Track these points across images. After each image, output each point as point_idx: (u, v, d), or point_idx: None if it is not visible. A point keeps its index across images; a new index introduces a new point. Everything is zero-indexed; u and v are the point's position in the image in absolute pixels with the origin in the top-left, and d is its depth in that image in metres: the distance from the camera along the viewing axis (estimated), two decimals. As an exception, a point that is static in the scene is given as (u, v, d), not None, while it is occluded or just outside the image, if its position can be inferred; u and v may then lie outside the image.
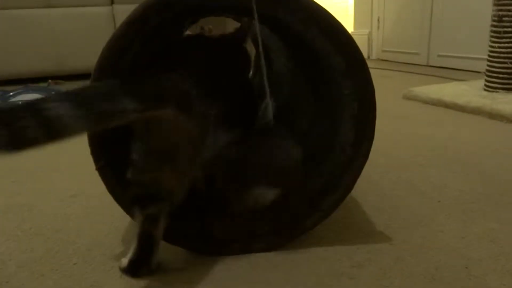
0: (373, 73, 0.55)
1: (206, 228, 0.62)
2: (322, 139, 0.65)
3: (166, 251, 0.60)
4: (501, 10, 1.39)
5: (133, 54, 0.55)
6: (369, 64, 0.57)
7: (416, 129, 1.21)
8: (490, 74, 1.47)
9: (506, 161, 0.92)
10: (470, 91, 1.52)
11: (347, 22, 3.26)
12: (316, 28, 0.55)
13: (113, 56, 0.53)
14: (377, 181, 0.83)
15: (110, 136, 0.57)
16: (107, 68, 0.54)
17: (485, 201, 0.73)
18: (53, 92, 1.71)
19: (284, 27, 0.58)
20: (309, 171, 0.64)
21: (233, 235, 0.61)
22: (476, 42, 2.08)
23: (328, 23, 0.55)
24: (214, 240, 0.61)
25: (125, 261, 0.55)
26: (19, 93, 1.63)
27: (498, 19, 1.40)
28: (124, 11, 2.46)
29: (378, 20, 2.97)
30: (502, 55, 1.42)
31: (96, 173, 0.94)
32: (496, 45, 1.43)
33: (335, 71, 0.58)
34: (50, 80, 2.29)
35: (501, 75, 1.44)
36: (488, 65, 1.48)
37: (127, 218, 0.71)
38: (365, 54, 3.01)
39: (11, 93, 1.63)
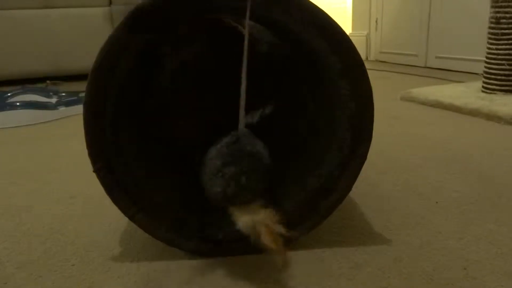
0: (371, 74, 0.56)
1: (206, 229, 0.61)
2: (319, 140, 0.66)
3: (164, 252, 0.60)
4: (498, 12, 1.39)
5: (133, 52, 0.55)
6: (367, 65, 0.57)
7: (414, 130, 1.22)
8: (488, 75, 1.48)
9: (503, 163, 0.92)
10: (468, 93, 1.53)
11: (345, 23, 3.27)
12: (313, 28, 0.55)
13: (112, 56, 0.53)
14: (375, 182, 0.83)
15: (108, 137, 0.56)
16: (106, 68, 0.53)
17: (483, 202, 0.73)
18: (51, 93, 1.71)
19: (281, 27, 0.58)
20: (308, 172, 0.64)
21: (233, 236, 0.61)
22: (474, 44, 2.08)
23: (325, 23, 0.55)
24: (214, 241, 0.61)
25: None
26: (17, 94, 1.63)
27: (496, 21, 1.41)
28: (121, 12, 2.47)
29: (376, 21, 2.98)
30: (499, 57, 1.42)
31: (93, 175, 0.94)
32: (494, 47, 1.43)
33: (332, 71, 0.58)
34: (48, 81, 2.29)
35: (498, 77, 1.44)
36: (486, 67, 1.48)
37: (125, 220, 0.71)
38: (363, 56, 3.03)
39: (8, 94, 1.63)
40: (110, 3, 2.47)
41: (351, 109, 0.58)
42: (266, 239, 0.47)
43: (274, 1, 0.54)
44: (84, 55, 2.44)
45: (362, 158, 0.59)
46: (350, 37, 0.56)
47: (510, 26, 1.38)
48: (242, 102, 0.53)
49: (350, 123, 0.59)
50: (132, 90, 0.63)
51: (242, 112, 0.53)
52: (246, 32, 0.55)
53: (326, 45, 0.56)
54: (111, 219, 0.72)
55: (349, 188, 0.60)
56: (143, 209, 0.58)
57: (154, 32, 0.56)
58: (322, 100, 0.67)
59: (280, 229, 0.48)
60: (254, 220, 0.49)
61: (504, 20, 1.38)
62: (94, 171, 0.56)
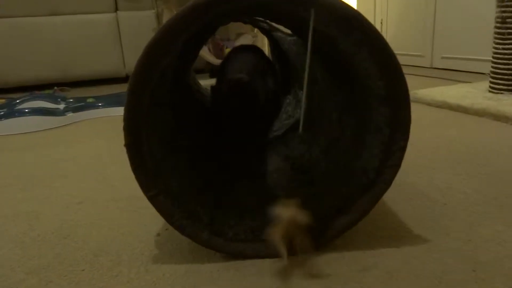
0: (377, 77, 0.55)
1: (215, 223, 0.61)
2: (343, 160, 0.65)
3: (172, 257, 0.61)
4: (504, 11, 1.39)
5: (176, 51, 0.57)
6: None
7: (420, 132, 1.21)
8: (495, 75, 1.47)
9: (510, 163, 0.91)
10: (474, 93, 1.52)
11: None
12: (367, 51, 0.54)
13: (157, 53, 0.54)
14: (383, 185, 0.83)
15: (144, 116, 0.56)
16: (153, 62, 0.54)
17: (490, 203, 0.73)
18: (58, 100, 1.73)
19: (331, 45, 0.57)
20: (328, 191, 0.64)
21: (244, 236, 0.61)
22: (480, 44, 2.07)
23: (379, 46, 0.54)
24: (225, 237, 0.61)
25: None
26: (25, 101, 1.64)
27: (502, 20, 1.40)
28: (128, 18, 2.50)
29: (381, 22, 2.97)
30: (506, 56, 1.41)
31: (101, 180, 0.95)
32: (500, 46, 1.42)
33: (374, 96, 0.56)
34: (55, 87, 2.31)
35: (506, 77, 1.43)
36: (493, 67, 1.48)
37: (133, 224, 0.72)
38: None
39: (17, 101, 1.64)
40: (116, 9, 2.49)
41: (385, 135, 0.57)
42: (272, 236, 0.52)
43: (335, 18, 0.53)
44: (91, 61, 2.47)
45: (387, 184, 0.58)
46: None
47: (516, 25, 1.37)
48: (304, 105, 0.57)
49: (380, 149, 0.57)
50: (170, 74, 0.64)
51: (302, 118, 0.56)
52: (309, 44, 0.54)
53: (375, 68, 0.55)
54: (118, 223, 0.73)
55: (368, 211, 0.59)
56: (162, 192, 0.58)
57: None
58: (353, 122, 0.65)
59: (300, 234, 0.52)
60: (278, 214, 0.53)
61: (510, 20, 1.38)
62: (124, 145, 0.56)
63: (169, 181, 0.60)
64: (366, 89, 0.57)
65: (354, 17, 0.53)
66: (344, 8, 0.53)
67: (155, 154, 0.58)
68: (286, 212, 0.53)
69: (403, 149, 0.57)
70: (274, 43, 1.01)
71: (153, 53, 0.54)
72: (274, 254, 0.59)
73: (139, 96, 0.55)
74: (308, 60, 0.53)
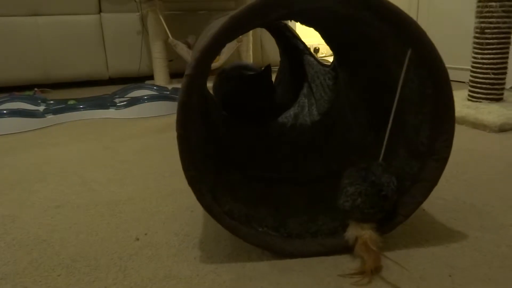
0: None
1: (217, 193, 0.61)
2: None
3: (150, 263, 0.60)
4: (483, 22, 1.42)
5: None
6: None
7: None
8: (474, 84, 1.50)
9: (488, 170, 0.93)
10: (454, 101, 1.55)
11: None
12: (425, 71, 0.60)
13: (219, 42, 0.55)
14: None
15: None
16: (210, 55, 0.56)
17: (468, 210, 0.74)
18: (38, 101, 1.70)
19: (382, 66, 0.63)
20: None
21: (238, 217, 0.62)
22: (460, 53, 2.12)
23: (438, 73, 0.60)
24: (224, 211, 0.61)
25: None
26: (4, 102, 1.61)
27: (480, 31, 1.43)
28: (112, 20, 2.47)
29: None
30: (485, 66, 1.45)
31: (81, 183, 0.94)
32: (479, 56, 1.46)
33: (417, 121, 0.62)
34: (36, 89, 2.27)
35: (484, 86, 1.47)
36: (472, 76, 1.51)
37: (111, 228, 0.71)
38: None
39: (-4, 102, 1.61)
40: (100, 10, 2.46)
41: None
42: (359, 253, 0.57)
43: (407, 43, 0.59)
44: (73, 62, 2.43)
45: (405, 217, 0.62)
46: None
47: (494, 36, 1.41)
48: (385, 141, 0.61)
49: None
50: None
51: (383, 149, 0.62)
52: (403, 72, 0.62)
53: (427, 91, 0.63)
54: (97, 228, 0.71)
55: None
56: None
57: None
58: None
59: (375, 251, 0.56)
60: (357, 235, 0.57)
61: (488, 30, 1.41)
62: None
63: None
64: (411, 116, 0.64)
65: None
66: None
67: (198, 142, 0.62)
68: (365, 234, 0.57)
69: (435, 180, 0.62)
70: (292, 52, 1.17)
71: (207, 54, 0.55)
72: (264, 246, 0.61)
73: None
74: (397, 95, 0.61)
